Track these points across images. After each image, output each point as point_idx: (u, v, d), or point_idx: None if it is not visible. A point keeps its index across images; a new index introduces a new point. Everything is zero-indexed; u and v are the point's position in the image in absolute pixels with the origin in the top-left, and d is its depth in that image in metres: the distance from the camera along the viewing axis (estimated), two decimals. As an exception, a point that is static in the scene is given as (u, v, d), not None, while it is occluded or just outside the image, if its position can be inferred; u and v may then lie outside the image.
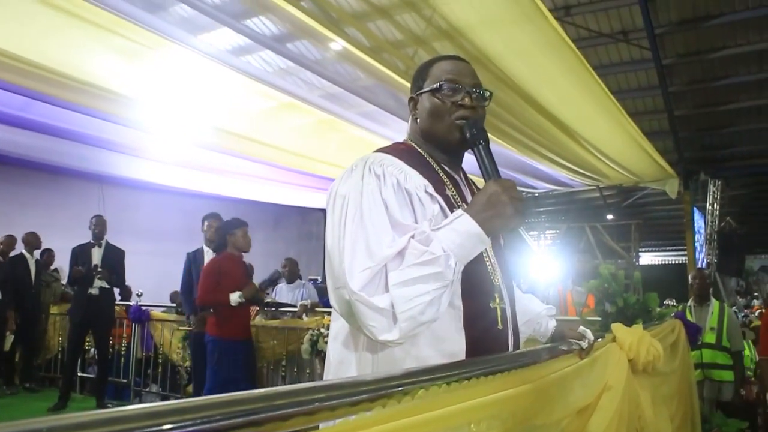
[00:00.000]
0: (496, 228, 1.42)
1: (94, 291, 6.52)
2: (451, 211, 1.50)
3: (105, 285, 6.58)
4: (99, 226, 6.69)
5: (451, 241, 1.35)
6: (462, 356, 1.43)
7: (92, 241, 6.68)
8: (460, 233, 1.37)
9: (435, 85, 1.62)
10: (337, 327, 1.55)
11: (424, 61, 1.76)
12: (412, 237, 1.37)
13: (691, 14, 8.12)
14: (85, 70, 4.64)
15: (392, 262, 1.34)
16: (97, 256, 6.61)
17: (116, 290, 7.13)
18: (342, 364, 1.50)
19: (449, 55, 1.73)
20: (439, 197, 1.51)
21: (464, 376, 0.98)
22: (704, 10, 8.03)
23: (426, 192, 1.49)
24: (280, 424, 0.61)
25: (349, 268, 1.33)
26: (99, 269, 6.50)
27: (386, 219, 1.40)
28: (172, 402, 0.59)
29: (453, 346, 1.43)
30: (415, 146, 1.66)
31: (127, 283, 8.86)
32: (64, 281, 8.45)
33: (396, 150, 1.60)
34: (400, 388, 0.83)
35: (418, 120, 1.67)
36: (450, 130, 1.60)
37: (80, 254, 6.64)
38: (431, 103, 1.62)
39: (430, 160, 1.62)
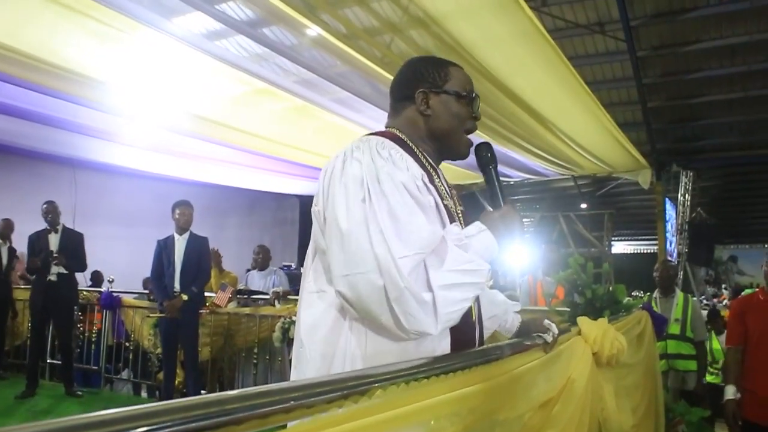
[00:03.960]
0: (505, 245, 1.51)
1: (52, 277, 6.39)
2: (443, 203, 1.52)
3: (63, 271, 6.46)
4: (51, 212, 6.51)
5: (480, 254, 1.43)
6: (447, 351, 1.46)
7: (48, 228, 6.53)
8: (485, 246, 1.46)
9: (463, 92, 1.64)
10: (315, 318, 1.46)
11: (434, 58, 1.74)
12: (445, 237, 1.41)
13: (666, 7, 8.20)
14: (58, 53, 4.56)
15: (429, 259, 1.35)
16: (54, 242, 6.46)
17: (87, 275, 7.01)
18: (325, 358, 1.42)
19: (457, 63, 1.72)
20: (432, 188, 1.51)
21: (423, 375, 0.99)
22: (679, 3, 8.11)
23: (423, 182, 1.48)
24: (233, 429, 0.62)
25: (390, 255, 1.28)
26: (55, 255, 6.37)
27: (411, 201, 1.38)
28: (104, 413, 0.58)
29: (440, 341, 1.43)
30: (402, 137, 1.60)
31: (99, 269, 8.81)
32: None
33: (386, 137, 1.56)
34: (357, 389, 0.83)
35: (427, 115, 1.62)
36: (462, 143, 1.66)
37: (37, 241, 6.50)
38: (455, 108, 1.63)
39: (417, 151, 1.59)
